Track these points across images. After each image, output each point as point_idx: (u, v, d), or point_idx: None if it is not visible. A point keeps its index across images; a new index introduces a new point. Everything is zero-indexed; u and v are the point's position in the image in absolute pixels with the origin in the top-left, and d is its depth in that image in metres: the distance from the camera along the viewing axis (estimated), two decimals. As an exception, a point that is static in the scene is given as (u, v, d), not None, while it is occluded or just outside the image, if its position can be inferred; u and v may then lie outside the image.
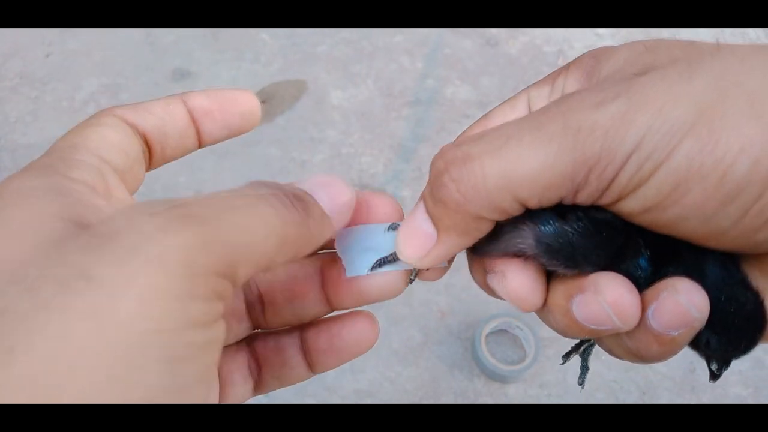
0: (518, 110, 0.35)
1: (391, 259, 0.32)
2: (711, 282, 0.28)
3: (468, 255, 0.34)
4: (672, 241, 0.29)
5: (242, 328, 0.35)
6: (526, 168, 0.26)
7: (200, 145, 0.34)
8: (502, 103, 0.35)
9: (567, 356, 0.37)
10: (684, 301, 0.27)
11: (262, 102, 1.60)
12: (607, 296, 0.28)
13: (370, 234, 0.33)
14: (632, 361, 0.31)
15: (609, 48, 0.31)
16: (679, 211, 0.26)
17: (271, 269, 0.28)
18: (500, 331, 1.21)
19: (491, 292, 0.33)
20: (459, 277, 1.33)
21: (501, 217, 0.29)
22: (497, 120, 0.35)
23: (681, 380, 1.12)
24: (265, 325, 0.36)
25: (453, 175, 0.28)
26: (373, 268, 0.33)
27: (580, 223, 0.29)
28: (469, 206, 0.28)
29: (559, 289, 0.30)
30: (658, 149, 0.25)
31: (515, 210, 0.28)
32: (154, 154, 0.32)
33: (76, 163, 0.27)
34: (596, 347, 0.35)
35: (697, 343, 0.29)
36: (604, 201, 0.27)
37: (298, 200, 0.27)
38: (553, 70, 0.34)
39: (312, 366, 0.35)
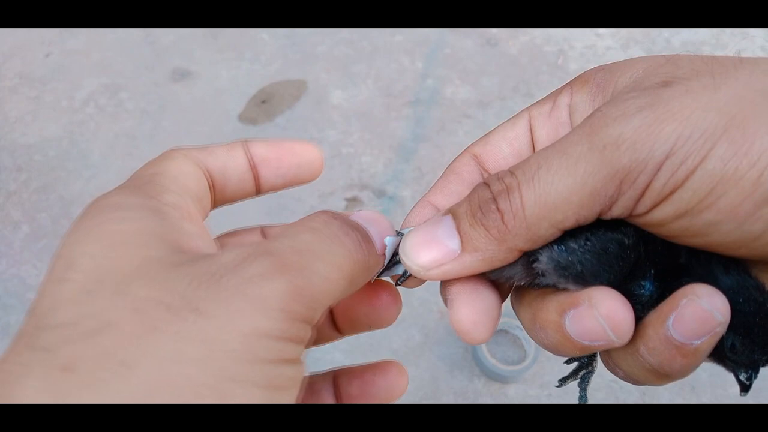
0: (518, 128, 0.34)
1: (391, 263, 0.32)
2: (726, 287, 0.28)
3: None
4: (679, 257, 0.29)
5: None
6: (558, 193, 0.27)
7: (258, 192, 0.35)
8: (503, 122, 0.35)
9: (564, 380, 0.36)
10: (707, 305, 0.27)
11: (262, 102, 1.60)
12: (601, 309, 0.28)
13: None
14: (654, 382, 0.30)
15: (622, 62, 0.31)
16: (713, 216, 0.26)
17: None
18: (500, 331, 1.21)
19: None
20: (459, 277, 1.32)
21: (533, 247, 0.29)
22: (497, 138, 0.35)
23: (681, 380, 1.12)
24: None
25: (500, 205, 0.29)
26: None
27: (589, 242, 0.29)
28: (509, 236, 0.28)
29: (552, 306, 0.30)
30: (691, 155, 0.25)
31: (552, 236, 0.28)
32: (216, 193, 0.33)
33: (163, 188, 0.29)
34: (601, 371, 0.34)
35: (721, 351, 0.29)
36: (639, 209, 0.27)
37: (366, 241, 0.29)
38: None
39: None
